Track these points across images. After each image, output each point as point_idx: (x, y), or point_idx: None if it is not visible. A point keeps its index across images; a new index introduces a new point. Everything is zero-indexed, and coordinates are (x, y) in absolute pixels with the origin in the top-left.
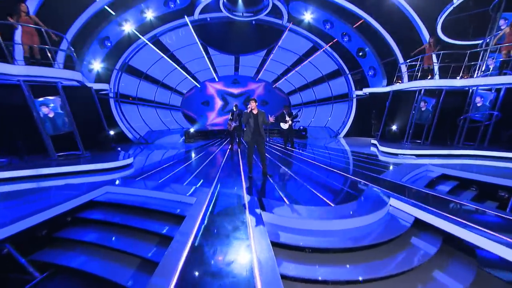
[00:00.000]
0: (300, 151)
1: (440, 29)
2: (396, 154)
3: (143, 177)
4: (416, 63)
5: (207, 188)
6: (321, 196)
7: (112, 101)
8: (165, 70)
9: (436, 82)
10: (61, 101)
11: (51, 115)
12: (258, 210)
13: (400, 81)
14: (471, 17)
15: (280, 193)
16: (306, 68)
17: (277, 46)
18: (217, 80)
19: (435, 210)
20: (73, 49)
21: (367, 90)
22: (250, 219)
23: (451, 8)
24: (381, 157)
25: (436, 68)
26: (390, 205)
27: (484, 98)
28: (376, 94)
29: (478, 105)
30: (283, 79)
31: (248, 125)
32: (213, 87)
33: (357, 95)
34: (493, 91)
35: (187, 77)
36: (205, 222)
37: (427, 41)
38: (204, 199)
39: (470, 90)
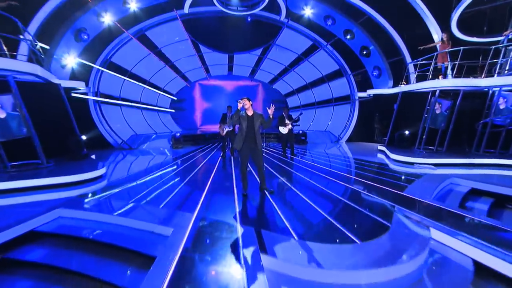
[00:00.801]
0: (302, 160)
1: (455, 24)
2: (412, 163)
3: (114, 193)
4: (430, 61)
5: (190, 213)
6: (338, 226)
7: (91, 102)
8: (153, 69)
9: (455, 81)
10: (14, 100)
11: (2, 115)
12: (255, 250)
13: (405, 83)
14: (486, 12)
15: (284, 219)
16: (305, 68)
17: (274, 44)
18: (209, 80)
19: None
20: (31, 35)
21: (371, 92)
22: (244, 267)
23: (466, 3)
24: (393, 167)
25: (449, 67)
26: (432, 238)
27: (507, 99)
28: (381, 96)
29: (501, 107)
30: (280, 79)
31: (240, 129)
32: (203, 88)
33: (359, 97)
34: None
35: (177, 77)
36: (182, 267)
37: (440, 37)
38: (183, 230)
39: (490, 92)
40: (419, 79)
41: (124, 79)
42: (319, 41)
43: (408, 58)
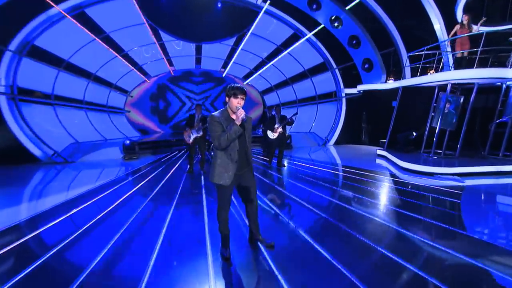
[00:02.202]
0: (293, 172)
1: (461, 10)
2: (430, 174)
3: None
4: (435, 51)
5: None
6: None
7: (3, 99)
8: (100, 59)
9: (475, 72)
10: None
11: None
12: None
13: (392, 78)
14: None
15: None
16: (284, 61)
17: (249, 33)
18: (172, 74)
19: None
20: None
21: (362, 87)
22: None
23: None
24: (408, 179)
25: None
26: None
27: None
28: (371, 92)
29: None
30: (256, 74)
31: (226, 148)
32: (167, 83)
33: (347, 94)
34: None
35: (132, 70)
36: None
37: (461, 20)
38: None
39: (504, 86)
40: (414, 72)
41: (59, 71)
42: (301, 30)
43: (402, 50)
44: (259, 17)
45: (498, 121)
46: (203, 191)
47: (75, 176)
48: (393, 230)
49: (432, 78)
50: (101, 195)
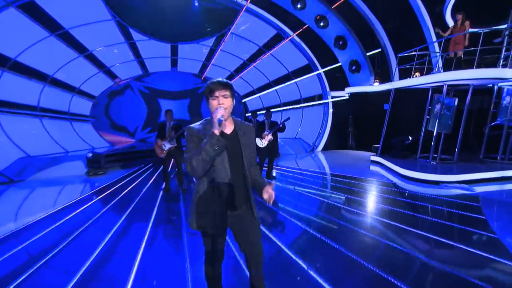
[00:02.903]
0: (286, 185)
1: (449, 11)
2: (436, 183)
3: None
4: (426, 52)
5: None
6: None
7: None
8: (59, 60)
9: (473, 73)
10: None
11: None
12: None
13: (378, 81)
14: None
15: None
16: (267, 63)
17: (229, 33)
18: (146, 76)
19: None
20: None
21: (351, 90)
22: None
23: None
24: (412, 188)
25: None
26: None
27: None
28: (358, 95)
29: (508, 105)
30: (237, 77)
31: (203, 174)
32: (140, 87)
33: (333, 97)
34: None
35: (99, 72)
36: None
37: (456, 19)
38: None
39: (496, 88)
40: (402, 75)
41: (2, 71)
42: (284, 31)
43: (390, 51)
44: (239, 16)
45: (493, 123)
46: (183, 216)
47: (17, 199)
48: (423, 263)
49: (428, 79)
50: (42, 232)
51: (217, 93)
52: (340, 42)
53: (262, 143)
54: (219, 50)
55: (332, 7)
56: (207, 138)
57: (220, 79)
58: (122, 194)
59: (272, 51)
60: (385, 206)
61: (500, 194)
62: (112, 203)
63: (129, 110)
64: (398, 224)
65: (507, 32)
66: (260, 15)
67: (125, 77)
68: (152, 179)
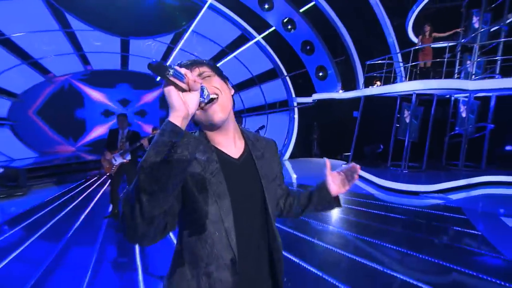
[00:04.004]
0: None
1: (411, 25)
2: (417, 193)
3: None
4: (391, 61)
5: None
6: None
7: None
8: None
9: (438, 83)
10: None
11: None
12: None
13: (342, 89)
14: (440, 14)
15: None
16: (230, 65)
17: (189, 30)
18: (89, 74)
19: None
20: None
21: (318, 96)
22: None
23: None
24: (394, 200)
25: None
26: None
27: (468, 108)
28: (326, 102)
29: (463, 115)
30: None
31: (166, 207)
32: (82, 87)
33: (299, 103)
34: (473, 98)
35: (21, 64)
36: None
37: (424, 30)
38: None
39: (453, 99)
40: (367, 83)
41: None
42: (249, 32)
43: (356, 59)
44: (201, 13)
45: (452, 133)
46: (139, 262)
47: None
48: None
49: (398, 87)
50: None
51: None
52: (307, 47)
53: None
54: (177, 49)
55: (300, 10)
56: (162, 126)
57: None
58: (46, 227)
59: (236, 53)
60: (371, 222)
61: (476, 202)
62: (30, 241)
63: (67, 113)
64: (394, 247)
65: (459, 48)
66: (225, 14)
67: (62, 73)
68: (94, 201)
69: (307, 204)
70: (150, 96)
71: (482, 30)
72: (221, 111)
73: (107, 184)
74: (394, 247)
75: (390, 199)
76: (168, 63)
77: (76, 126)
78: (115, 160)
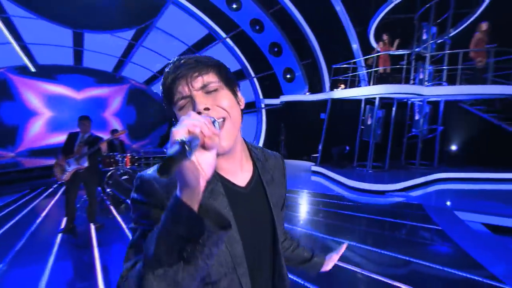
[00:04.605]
0: None
1: (373, 33)
2: (382, 192)
3: None
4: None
5: None
6: None
7: None
8: None
9: (398, 88)
10: None
11: None
12: None
13: (309, 91)
14: (399, 24)
15: None
16: None
17: (153, 27)
18: (33, 70)
19: None
20: None
21: (285, 98)
22: None
23: (388, 8)
24: (364, 200)
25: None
26: None
27: (422, 111)
28: (294, 103)
29: (417, 118)
30: (161, 79)
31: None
32: (26, 84)
33: (266, 105)
34: (425, 103)
35: None
36: None
37: (382, 40)
38: None
39: (409, 102)
40: (333, 86)
41: None
42: (216, 31)
43: (322, 62)
44: (167, 9)
45: (410, 134)
46: (103, 282)
47: None
48: None
49: (363, 91)
50: None
51: (185, 88)
52: (275, 49)
53: None
54: (139, 46)
55: (269, 12)
56: (171, 207)
57: (190, 57)
58: None
59: (202, 52)
60: (339, 222)
61: (433, 198)
62: None
63: (4, 113)
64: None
65: (413, 56)
66: (191, 11)
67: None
68: (44, 213)
69: (303, 261)
70: (108, 98)
71: (431, 41)
72: (227, 138)
73: (58, 194)
74: (360, 245)
75: (358, 198)
76: (183, 139)
77: (7, 130)
78: (69, 166)
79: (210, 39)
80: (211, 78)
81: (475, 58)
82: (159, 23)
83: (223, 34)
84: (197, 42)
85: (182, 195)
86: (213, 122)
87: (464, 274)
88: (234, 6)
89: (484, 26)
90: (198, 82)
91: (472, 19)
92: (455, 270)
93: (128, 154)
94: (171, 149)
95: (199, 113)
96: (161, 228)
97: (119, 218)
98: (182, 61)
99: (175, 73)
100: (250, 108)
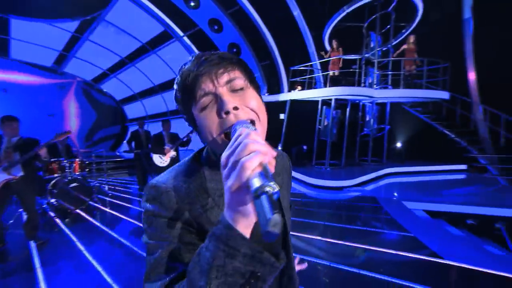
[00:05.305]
0: None
1: (327, 38)
2: (341, 188)
3: None
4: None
5: None
6: None
7: None
8: None
9: (352, 90)
10: None
11: None
12: None
13: (267, 92)
14: (346, 31)
15: None
16: (152, 64)
17: (101, 20)
18: None
19: None
20: None
21: None
22: None
23: (340, 16)
24: (325, 196)
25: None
26: None
27: (372, 112)
28: None
29: (368, 118)
30: (113, 77)
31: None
32: None
33: None
34: (374, 104)
35: None
36: None
37: (332, 45)
38: None
39: (361, 104)
40: (291, 87)
41: None
42: (173, 29)
43: (280, 64)
44: (117, 2)
45: (362, 133)
46: None
47: None
48: None
49: (321, 92)
50: None
51: (209, 84)
52: (234, 50)
53: (163, 161)
54: (86, 40)
55: (228, 12)
56: (225, 239)
57: (215, 53)
58: None
59: (158, 50)
60: (302, 219)
61: (384, 191)
62: None
63: None
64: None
65: (363, 61)
66: (145, 6)
67: None
68: None
69: None
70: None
71: (378, 49)
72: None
73: None
74: (321, 238)
75: (318, 195)
76: (265, 188)
77: None
78: None
79: (166, 36)
80: (237, 74)
81: (405, 65)
82: (108, 16)
83: (180, 33)
84: (152, 39)
85: (235, 223)
86: (250, 124)
87: (413, 255)
88: (192, 4)
89: (411, 38)
90: (224, 78)
91: (408, 31)
92: (406, 252)
93: (77, 159)
94: (262, 206)
95: (227, 112)
96: (212, 262)
97: (68, 231)
98: (203, 57)
99: (198, 70)
100: None
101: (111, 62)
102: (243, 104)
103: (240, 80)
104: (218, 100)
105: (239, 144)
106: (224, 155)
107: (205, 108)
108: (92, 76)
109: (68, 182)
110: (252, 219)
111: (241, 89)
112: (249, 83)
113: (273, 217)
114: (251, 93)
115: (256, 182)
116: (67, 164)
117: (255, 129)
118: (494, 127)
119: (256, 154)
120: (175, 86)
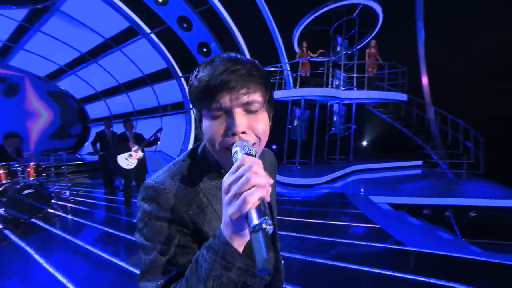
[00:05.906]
0: None
1: (296, 40)
2: (311, 186)
3: None
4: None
5: None
6: None
7: None
8: None
9: (321, 91)
10: None
11: None
12: None
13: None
14: (313, 34)
15: None
16: (116, 61)
17: (56, 10)
18: None
19: None
20: None
21: None
22: None
23: (309, 20)
24: (295, 195)
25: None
26: None
27: (339, 112)
28: None
29: (335, 118)
30: (71, 74)
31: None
32: None
33: None
34: (341, 105)
35: None
36: None
37: (302, 46)
38: None
39: (329, 104)
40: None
41: None
42: (139, 26)
43: None
44: None
45: (330, 132)
46: None
47: None
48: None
49: (290, 93)
50: None
51: (227, 99)
52: (204, 49)
53: (130, 162)
54: (37, 31)
55: (197, 10)
56: (221, 254)
57: (232, 54)
58: None
59: (123, 47)
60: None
61: (352, 187)
62: None
63: None
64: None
65: (330, 63)
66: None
67: None
68: None
69: None
70: None
71: (344, 52)
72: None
73: None
74: (294, 234)
75: (289, 193)
76: (262, 225)
77: None
78: None
79: (132, 33)
80: (256, 97)
81: (368, 68)
82: (64, 7)
83: (148, 29)
84: (117, 35)
85: (230, 238)
86: (251, 147)
87: (381, 245)
88: (160, 0)
89: (373, 43)
90: (243, 100)
91: (371, 37)
92: (374, 243)
93: (32, 163)
94: (258, 242)
95: (234, 134)
96: (209, 272)
97: (22, 243)
98: (234, 67)
99: (226, 79)
100: (178, 109)
101: (69, 57)
102: (251, 127)
103: (257, 104)
104: (230, 118)
105: (241, 176)
106: (226, 182)
107: (215, 119)
108: (46, 72)
109: (20, 189)
110: (245, 239)
111: (255, 111)
112: (265, 104)
113: (268, 257)
114: (262, 116)
115: (255, 218)
116: (19, 169)
117: (256, 152)
118: (443, 126)
119: (257, 190)
120: (196, 74)
